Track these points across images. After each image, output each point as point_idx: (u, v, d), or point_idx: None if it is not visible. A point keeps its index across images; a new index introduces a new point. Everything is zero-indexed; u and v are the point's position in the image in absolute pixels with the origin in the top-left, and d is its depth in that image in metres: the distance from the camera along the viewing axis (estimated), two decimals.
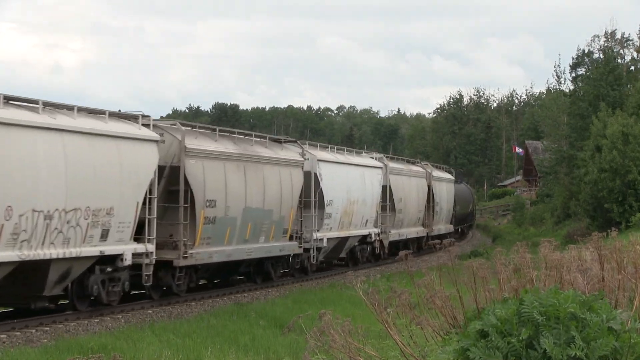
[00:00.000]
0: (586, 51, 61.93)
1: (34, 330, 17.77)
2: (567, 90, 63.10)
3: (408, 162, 45.48)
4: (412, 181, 42.29)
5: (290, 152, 28.92)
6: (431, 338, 9.32)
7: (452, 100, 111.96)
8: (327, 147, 34.13)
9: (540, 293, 6.74)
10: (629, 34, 60.45)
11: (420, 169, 45.51)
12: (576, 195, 48.96)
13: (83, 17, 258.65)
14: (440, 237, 41.54)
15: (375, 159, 38.38)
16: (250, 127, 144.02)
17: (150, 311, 21.30)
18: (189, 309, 22.30)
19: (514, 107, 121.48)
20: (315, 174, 29.90)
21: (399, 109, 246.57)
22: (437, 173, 48.97)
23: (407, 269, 10.17)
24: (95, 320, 19.41)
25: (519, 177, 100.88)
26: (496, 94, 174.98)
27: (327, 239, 31.06)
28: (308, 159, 29.48)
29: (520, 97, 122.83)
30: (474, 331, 6.66)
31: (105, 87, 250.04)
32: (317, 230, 30.09)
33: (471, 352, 6.48)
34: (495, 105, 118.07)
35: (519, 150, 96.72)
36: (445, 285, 9.96)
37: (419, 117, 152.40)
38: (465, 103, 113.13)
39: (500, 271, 9.58)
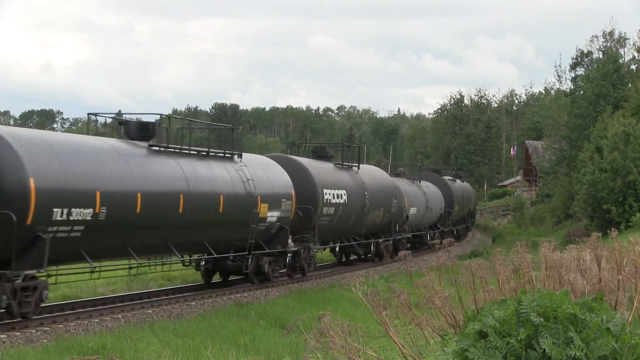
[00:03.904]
0: (585, 51, 62.06)
1: (34, 330, 17.75)
2: (567, 90, 63.14)
3: None
4: None
5: None
6: (430, 338, 9.33)
7: (452, 100, 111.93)
8: None
9: (537, 294, 6.75)
10: (625, 32, 60.63)
11: None
12: (576, 195, 48.96)
13: (75, 16, 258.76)
14: None
15: None
16: (250, 127, 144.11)
17: (150, 311, 21.27)
18: (189, 309, 22.27)
19: (514, 107, 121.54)
20: None
21: (399, 109, 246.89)
22: None
23: (406, 269, 10.18)
24: (95, 320, 19.40)
25: (519, 177, 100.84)
26: (497, 94, 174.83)
27: None
28: None
29: (520, 97, 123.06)
30: (473, 332, 6.65)
31: (99, 86, 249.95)
32: None
33: (470, 353, 6.47)
34: (495, 105, 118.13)
35: (514, 151, 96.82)
36: (444, 285, 9.96)
37: (419, 117, 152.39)
38: (465, 103, 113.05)
39: (500, 271, 9.58)
